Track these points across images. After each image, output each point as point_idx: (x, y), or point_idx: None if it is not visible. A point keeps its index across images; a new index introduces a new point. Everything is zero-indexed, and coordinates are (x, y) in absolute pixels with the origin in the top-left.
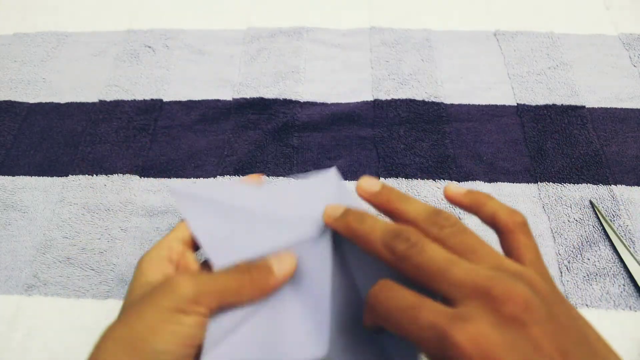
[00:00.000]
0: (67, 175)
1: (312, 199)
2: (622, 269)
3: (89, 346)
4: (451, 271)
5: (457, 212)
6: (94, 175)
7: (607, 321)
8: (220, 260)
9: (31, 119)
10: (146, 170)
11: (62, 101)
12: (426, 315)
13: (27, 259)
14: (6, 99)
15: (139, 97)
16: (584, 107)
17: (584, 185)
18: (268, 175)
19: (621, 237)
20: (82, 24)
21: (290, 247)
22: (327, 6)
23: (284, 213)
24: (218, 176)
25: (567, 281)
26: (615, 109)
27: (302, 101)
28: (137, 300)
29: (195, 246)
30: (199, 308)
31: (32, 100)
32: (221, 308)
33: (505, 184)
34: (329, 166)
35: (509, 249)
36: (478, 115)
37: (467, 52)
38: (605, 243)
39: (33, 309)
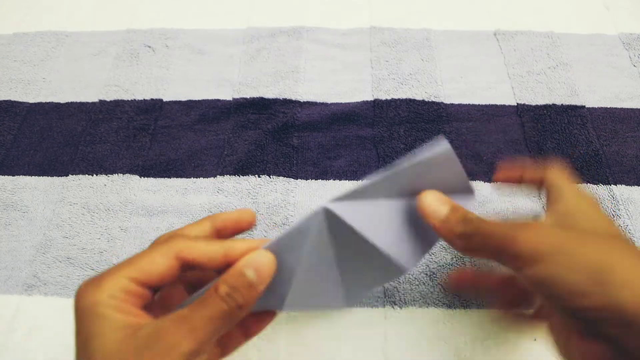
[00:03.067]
0: (67, 175)
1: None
2: None
3: None
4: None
5: None
6: (94, 175)
7: None
8: None
9: (31, 119)
10: (146, 170)
11: (62, 101)
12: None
13: (27, 258)
14: (6, 98)
15: (139, 97)
16: (584, 107)
17: (584, 185)
18: (268, 175)
19: None
20: (82, 24)
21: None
22: (327, 6)
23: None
24: (218, 176)
25: None
26: (615, 108)
27: (302, 101)
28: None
29: (150, 287)
30: (201, 357)
31: (32, 100)
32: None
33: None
34: (329, 166)
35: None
36: (478, 115)
37: (467, 52)
38: None
39: (33, 309)
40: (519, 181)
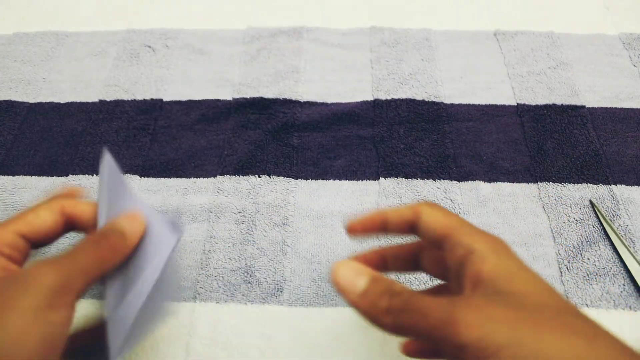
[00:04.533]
0: (67, 175)
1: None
2: (622, 268)
3: None
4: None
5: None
6: (94, 175)
7: (607, 321)
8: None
9: (31, 119)
10: (146, 170)
11: (62, 101)
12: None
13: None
14: (6, 98)
15: (139, 97)
16: (584, 107)
17: (583, 185)
18: (268, 175)
19: (621, 237)
20: (82, 24)
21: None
22: (327, 6)
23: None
24: (218, 176)
25: (567, 281)
26: (615, 108)
27: (302, 101)
28: None
29: (34, 244)
30: (68, 297)
31: (32, 100)
32: (87, 288)
33: (505, 183)
34: (329, 166)
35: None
36: (478, 115)
37: (467, 52)
38: (605, 243)
39: None
40: (381, 230)
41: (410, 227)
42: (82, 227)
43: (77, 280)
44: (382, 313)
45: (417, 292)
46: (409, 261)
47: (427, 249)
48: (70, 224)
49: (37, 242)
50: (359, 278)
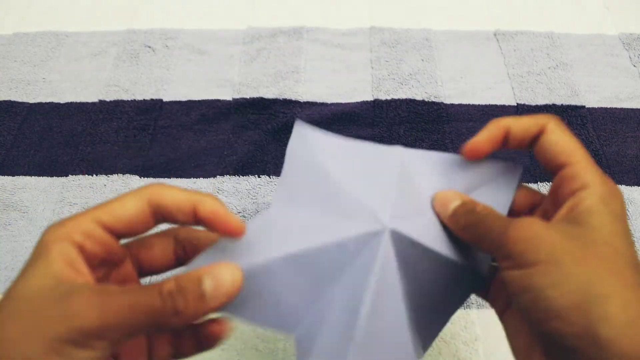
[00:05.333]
0: (67, 175)
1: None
2: None
3: None
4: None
5: None
6: (94, 175)
7: None
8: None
9: (31, 119)
10: (146, 170)
11: (62, 101)
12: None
13: (27, 259)
14: (6, 99)
15: (139, 97)
16: (584, 107)
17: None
18: (268, 175)
19: None
20: (82, 24)
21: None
22: (327, 6)
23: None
24: (218, 176)
25: None
26: (615, 109)
27: (302, 101)
28: (22, 303)
29: (119, 235)
30: (101, 343)
31: (32, 100)
32: (128, 339)
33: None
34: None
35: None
36: (478, 115)
37: (467, 52)
38: None
39: None
40: (503, 145)
41: (532, 141)
42: (173, 219)
43: (116, 331)
44: (461, 228)
45: (496, 213)
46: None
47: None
48: (160, 215)
49: (122, 234)
50: (453, 201)
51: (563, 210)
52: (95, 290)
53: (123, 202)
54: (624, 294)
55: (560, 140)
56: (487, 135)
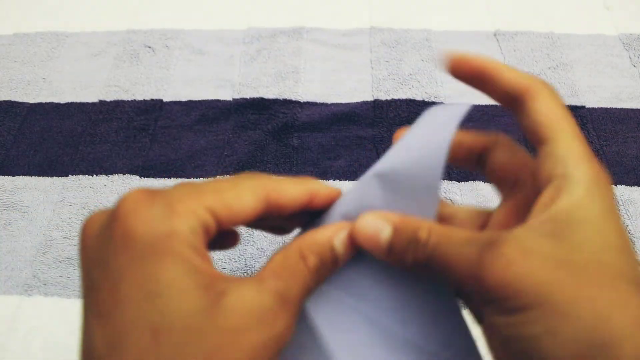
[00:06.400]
0: (67, 176)
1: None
2: None
3: None
4: None
5: None
6: (94, 175)
7: None
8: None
9: (31, 119)
10: (146, 170)
11: (62, 101)
12: None
13: (27, 259)
14: (6, 99)
15: (139, 97)
16: (584, 107)
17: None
18: None
19: None
20: (82, 24)
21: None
22: (327, 6)
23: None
24: (218, 176)
25: None
26: (615, 109)
27: (302, 101)
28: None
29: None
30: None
31: (32, 101)
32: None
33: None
34: (329, 166)
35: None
36: (478, 115)
37: (467, 52)
38: None
39: (33, 309)
40: (481, 86)
41: (514, 101)
42: (280, 214)
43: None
44: (408, 268)
45: (449, 233)
46: (471, 159)
47: (501, 147)
48: (270, 211)
49: (225, 226)
50: (380, 233)
51: (541, 205)
52: (278, 299)
53: (239, 194)
54: (636, 336)
55: (549, 107)
56: (473, 61)
